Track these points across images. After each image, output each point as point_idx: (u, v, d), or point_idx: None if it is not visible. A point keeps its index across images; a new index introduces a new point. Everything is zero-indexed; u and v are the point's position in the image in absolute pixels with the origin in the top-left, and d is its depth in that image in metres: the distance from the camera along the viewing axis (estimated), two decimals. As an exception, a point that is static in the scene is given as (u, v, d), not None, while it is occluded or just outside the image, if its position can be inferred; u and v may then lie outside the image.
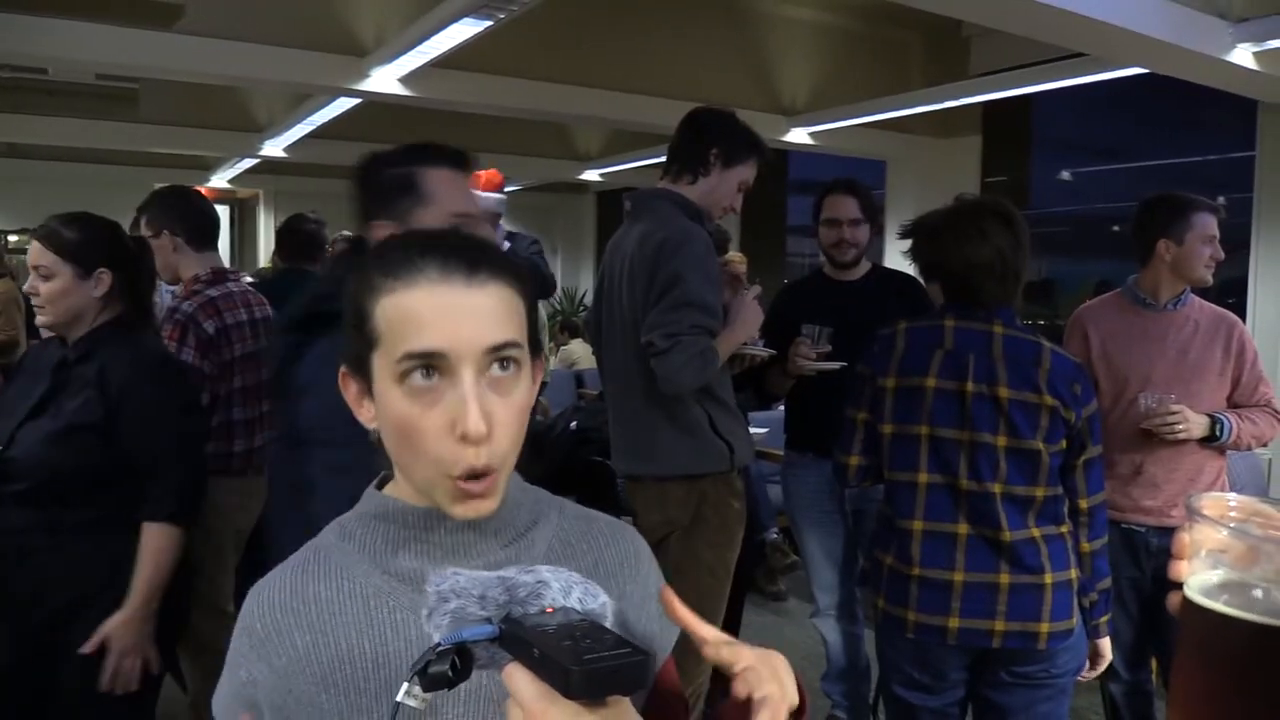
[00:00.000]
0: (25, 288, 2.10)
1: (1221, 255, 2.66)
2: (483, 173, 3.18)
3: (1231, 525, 0.62)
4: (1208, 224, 2.64)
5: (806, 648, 4.02)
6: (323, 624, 0.84)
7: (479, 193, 3.19)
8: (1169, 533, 2.64)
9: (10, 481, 1.99)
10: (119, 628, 1.98)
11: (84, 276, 2.06)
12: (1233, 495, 0.64)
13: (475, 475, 0.79)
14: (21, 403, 2.05)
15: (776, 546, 4.79)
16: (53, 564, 2.00)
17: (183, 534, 2.05)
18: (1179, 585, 0.65)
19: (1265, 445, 2.68)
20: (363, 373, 0.84)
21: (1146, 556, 2.68)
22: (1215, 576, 0.62)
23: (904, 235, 2.19)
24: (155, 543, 2.01)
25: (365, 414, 0.86)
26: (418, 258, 0.81)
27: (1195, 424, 2.56)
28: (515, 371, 0.82)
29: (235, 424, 2.70)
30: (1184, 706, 0.63)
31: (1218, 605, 0.60)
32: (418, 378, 0.79)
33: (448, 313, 0.79)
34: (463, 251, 0.82)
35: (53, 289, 2.04)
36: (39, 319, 2.09)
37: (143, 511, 2.01)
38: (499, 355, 0.80)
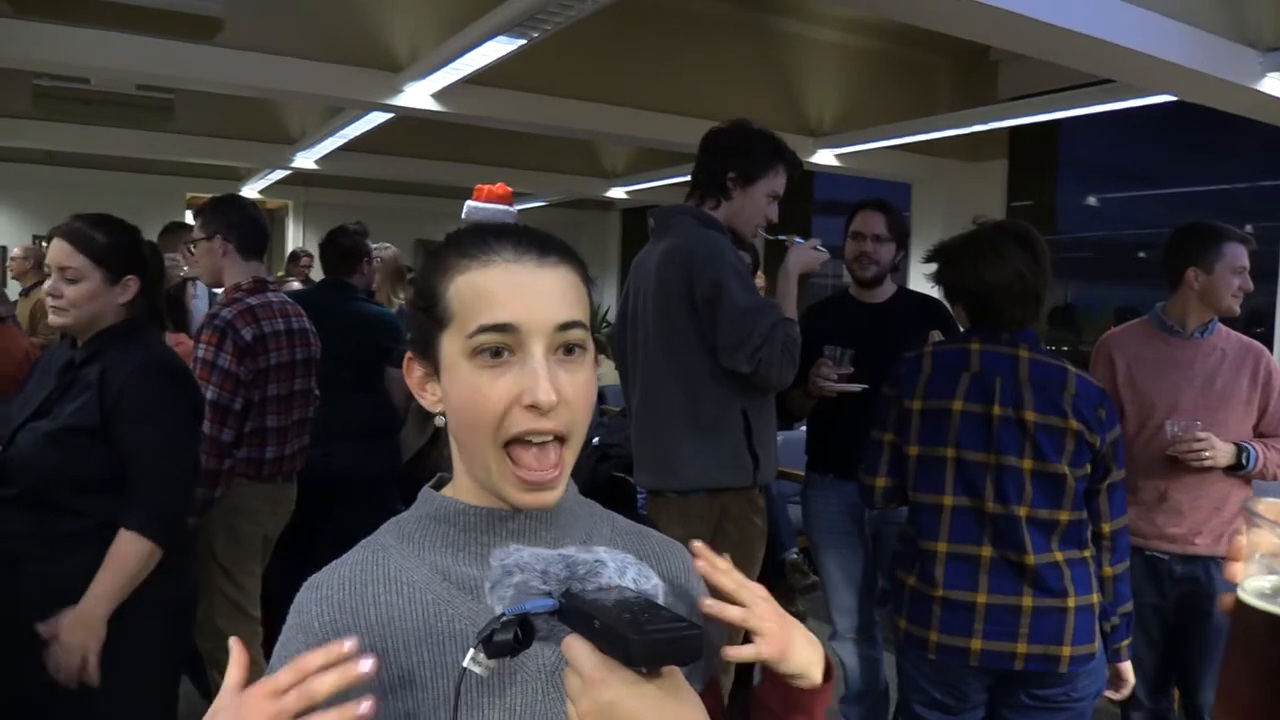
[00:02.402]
0: (46, 288, 2.04)
1: (1250, 286, 2.66)
2: (485, 186, 3.17)
3: None
4: (1238, 254, 2.64)
5: (824, 668, 4.01)
6: (382, 628, 0.84)
7: (481, 204, 3.15)
8: (1192, 561, 2.64)
9: (4, 485, 1.94)
10: (67, 620, 1.90)
11: (112, 282, 2.03)
12: None
13: (537, 444, 0.82)
14: (29, 404, 2.02)
15: (796, 566, 4.77)
16: (46, 572, 1.95)
17: (152, 548, 1.95)
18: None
19: None
20: (429, 356, 0.87)
21: (1170, 584, 2.68)
22: (1269, 581, 0.63)
23: (927, 260, 2.22)
24: (119, 548, 1.94)
25: (429, 398, 0.88)
26: (492, 239, 0.85)
27: (1221, 452, 2.56)
28: (580, 355, 0.85)
29: (268, 431, 2.74)
30: (1231, 707, 0.64)
31: (1273, 607, 0.61)
32: (489, 353, 0.82)
33: (520, 289, 0.82)
34: (534, 235, 0.86)
35: (80, 292, 2.00)
36: (55, 319, 2.03)
37: (123, 517, 1.95)
38: (566, 334, 0.83)
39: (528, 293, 0.82)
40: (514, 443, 0.82)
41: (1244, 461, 2.57)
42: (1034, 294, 2.06)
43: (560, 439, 0.83)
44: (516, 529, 0.87)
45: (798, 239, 2.63)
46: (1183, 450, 2.56)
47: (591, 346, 0.86)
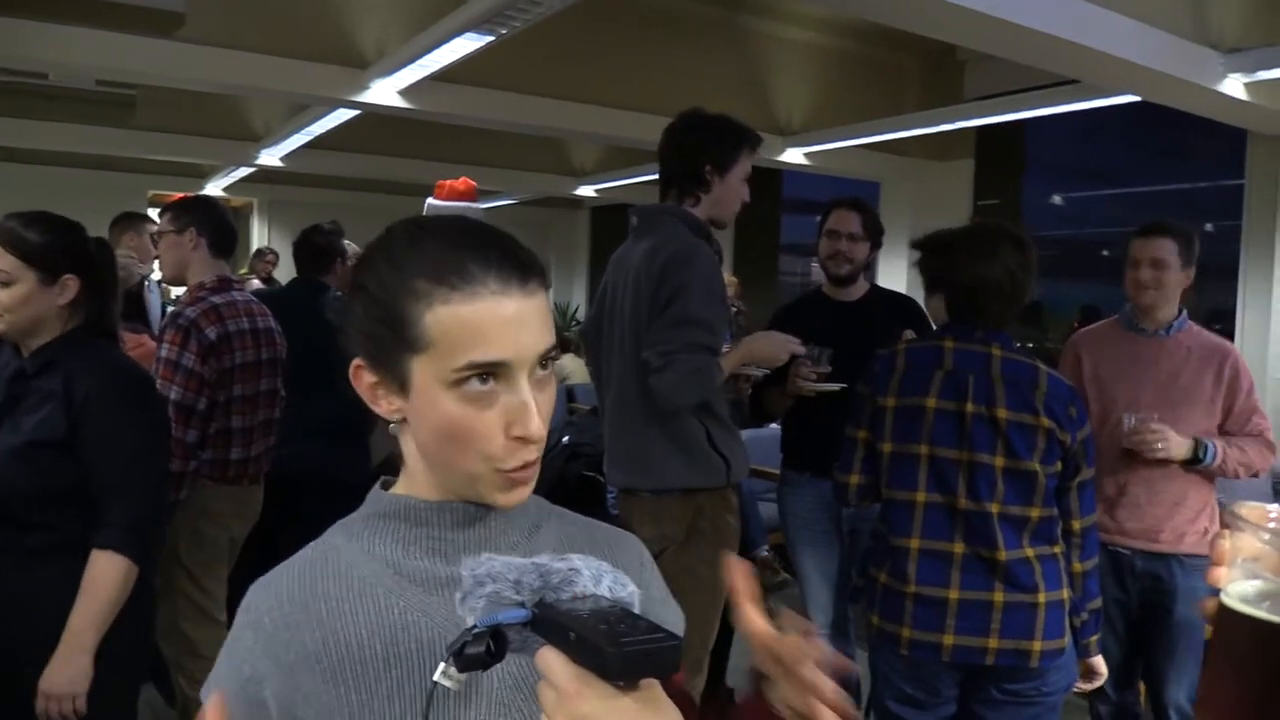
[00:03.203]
0: None
1: (1147, 279, 2.68)
2: (447, 181, 3.08)
3: (1271, 532, 0.62)
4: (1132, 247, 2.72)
5: (795, 665, 4.02)
6: (333, 622, 0.84)
7: (442, 202, 3.04)
8: (1154, 558, 2.67)
9: None
10: (49, 670, 1.79)
11: (49, 283, 1.90)
12: (1275, 505, 0.64)
13: (525, 466, 0.84)
14: None
15: (767, 564, 4.80)
16: (17, 589, 1.86)
17: (130, 566, 1.85)
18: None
19: (1256, 475, 2.69)
20: (389, 369, 0.85)
21: (1132, 579, 2.71)
22: (1253, 585, 0.63)
23: (916, 247, 2.22)
24: (95, 572, 1.83)
25: (385, 406, 0.87)
26: (472, 266, 0.82)
27: (1176, 444, 2.57)
28: (551, 369, 0.87)
29: (233, 432, 2.69)
30: (1214, 713, 0.64)
31: (1258, 612, 0.61)
32: (475, 384, 0.81)
33: (509, 325, 0.82)
34: (512, 256, 0.84)
35: (14, 296, 1.88)
36: None
37: (94, 537, 1.84)
38: (545, 358, 0.85)
39: (516, 327, 0.82)
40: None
41: (1201, 455, 2.59)
42: (1018, 295, 2.09)
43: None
44: (466, 520, 0.88)
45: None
46: (1136, 441, 2.58)
47: None
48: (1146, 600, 2.71)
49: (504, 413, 0.82)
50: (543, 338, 0.84)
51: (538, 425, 0.82)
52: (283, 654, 0.84)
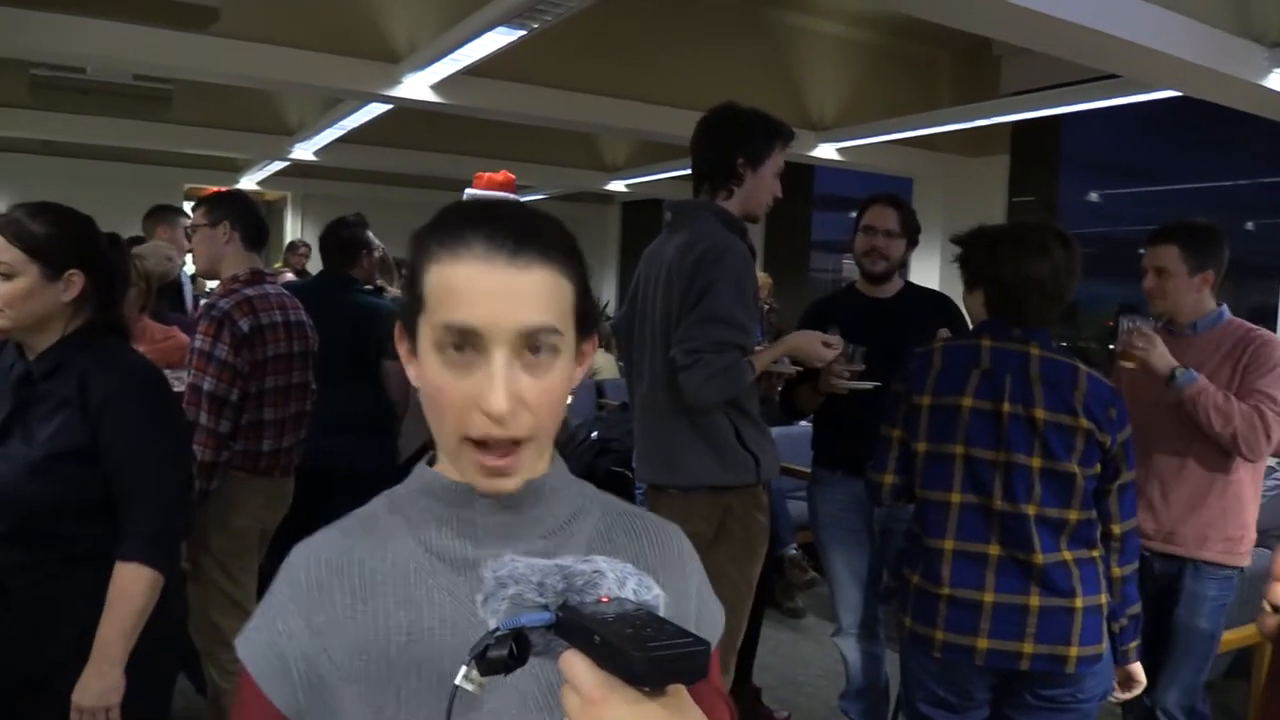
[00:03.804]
0: None
1: (1151, 286, 2.67)
2: (485, 174, 3.09)
3: None
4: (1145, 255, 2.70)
5: (824, 665, 4.01)
6: (363, 589, 0.85)
7: (480, 191, 3.05)
8: (1171, 560, 2.64)
9: None
10: (81, 683, 1.73)
11: (52, 278, 1.79)
12: None
13: (495, 445, 0.80)
14: None
15: (795, 562, 4.76)
16: (44, 600, 1.79)
17: (156, 576, 1.78)
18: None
19: (1233, 434, 2.51)
20: (409, 329, 0.86)
21: (1151, 581, 2.67)
22: None
23: (959, 242, 2.19)
24: (120, 584, 1.76)
25: (412, 373, 0.88)
26: (467, 229, 0.82)
27: (1158, 354, 2.53)
28: (551, 356, 0.82)
29: (265, 424, 2.71)
30: None
31: None
32: (453, 349, 0.80)
33: (486, 291, 0.80)
34: (511, 228, 0.82)
35: (14, 290, 1.76)
36: None
37: (117, 548, 1.77)
38: (534, 339, 0.80)
39: (493, 296, 0.79)
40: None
41: (1177, 376, 2.52)
42: (1060, 295, 2.05)
43: (517, 443, 0.82)
44: (498, 504, 0.86)
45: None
46: (1125, 343, 2.57)
47: (568, 347, 0.84)
48: (1161, 602, 2.68)
49: (475, 384, 0.79)
50: (527, 314, 0.80)
51: (498, 399, 0.78)
52: (314, 614, 0.85)
